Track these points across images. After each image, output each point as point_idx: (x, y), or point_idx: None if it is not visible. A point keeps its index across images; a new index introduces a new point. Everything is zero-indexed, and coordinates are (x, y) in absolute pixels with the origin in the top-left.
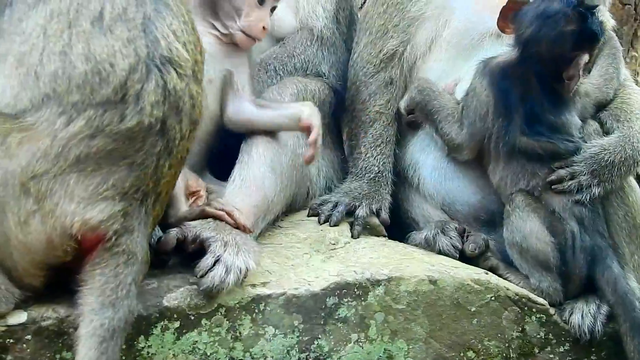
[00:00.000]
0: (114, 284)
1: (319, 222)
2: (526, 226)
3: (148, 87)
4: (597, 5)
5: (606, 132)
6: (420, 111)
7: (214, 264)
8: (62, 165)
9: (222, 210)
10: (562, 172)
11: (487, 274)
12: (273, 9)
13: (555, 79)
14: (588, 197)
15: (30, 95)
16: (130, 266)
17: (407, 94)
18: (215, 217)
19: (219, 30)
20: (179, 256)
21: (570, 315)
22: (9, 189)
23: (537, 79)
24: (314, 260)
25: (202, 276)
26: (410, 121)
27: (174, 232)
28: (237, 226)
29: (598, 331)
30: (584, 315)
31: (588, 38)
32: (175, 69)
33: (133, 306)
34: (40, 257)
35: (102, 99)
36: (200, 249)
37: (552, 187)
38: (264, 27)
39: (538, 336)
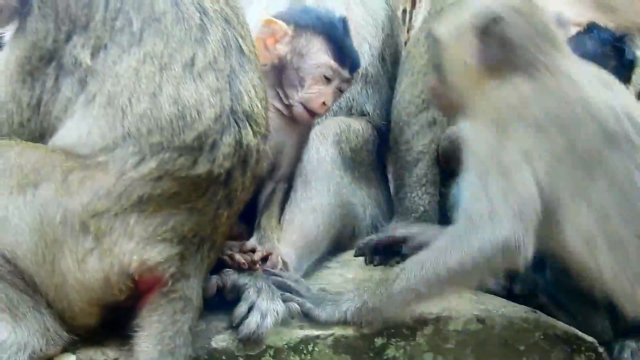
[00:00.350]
0: (172, 331)
1: (365, 262)
2: None
3: (225, 139)
4: (626, 34)
5: None
6: (454, 161)
7: (249, 311)
8: (124, 204)
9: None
10: None
11: (535, 312)
12: (339, 90)
13: None
14: None
15: (113, 135)
16: (187, 313)
17: (440, 144)
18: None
19: (281, 100)
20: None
21: (620, 353)
22: (67, 227)
23: None
24: None
25: (237, 325)
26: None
27: (214, 280)
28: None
29: None
30: (633, 353)
31: (628, 68)
32: (251, 125)
33: (189, 353)
34: (96, 296)
35: (182, 143)
36: (238, 296)
37: None
38: (324, 103)
39: None
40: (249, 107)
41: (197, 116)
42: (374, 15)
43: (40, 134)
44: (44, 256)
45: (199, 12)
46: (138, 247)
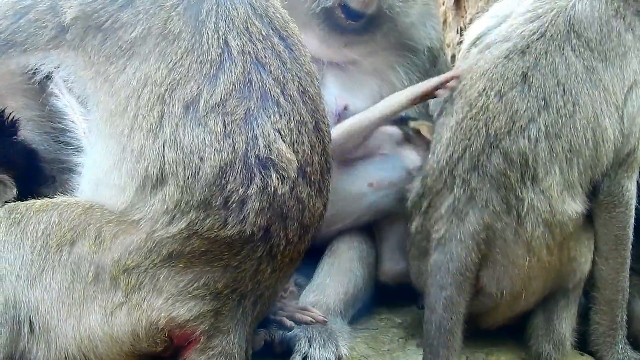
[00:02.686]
0: None
1: (417, 307)
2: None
3: (250, 191)
4: None
5: None
6: None
7: None
8: (155, 260)
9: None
10: None
11: (581, 355)
12: None
13: None
14: None
15: (124, 172)
16: None
17: None
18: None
19: None
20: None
21: None
22: (99, 283)
23: None
24: (410, 344)
25: None
26: None
27: (262, 334)
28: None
29: None
30: None
31: None
32: (276, 172)
33: None
34: (126, 348)
35: (200, 199)
36: (287, 349)
37: None
38: None
39: None
40: (268, 151)
41: (199, 163)
42: None
43: (4, 40)
44: (70, 311)
45: (220, 48)
46: (167, 303)
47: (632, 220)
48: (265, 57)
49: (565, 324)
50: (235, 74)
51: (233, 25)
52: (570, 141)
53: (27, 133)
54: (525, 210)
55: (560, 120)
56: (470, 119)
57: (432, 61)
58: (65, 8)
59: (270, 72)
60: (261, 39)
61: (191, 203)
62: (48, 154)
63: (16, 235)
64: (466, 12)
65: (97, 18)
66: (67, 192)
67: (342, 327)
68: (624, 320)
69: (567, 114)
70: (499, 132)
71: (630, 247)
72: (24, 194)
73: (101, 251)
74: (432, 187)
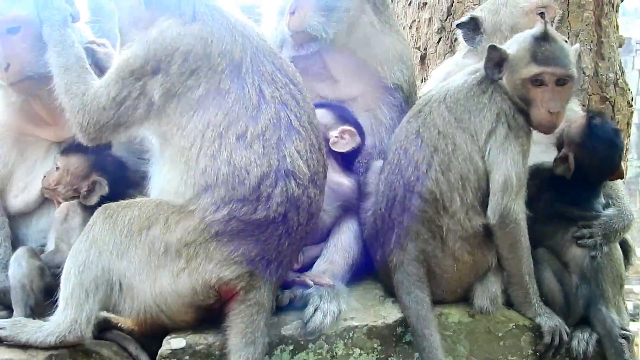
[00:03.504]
0: (251, 328)
1: None
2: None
3: (276, 191)
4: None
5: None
6: None
7: (314, 312)
8: (206, 237)
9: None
10: (584, 231)
11: (509, 309)
12: None
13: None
14: (599, 254)
15: (189, 184)
16: (261, 313)
17: None
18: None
19: None
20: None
21: (570, 341)
22: (168, 255)
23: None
24: (387, 301)
25: (307, 322)
26: None
27: (287, 293)
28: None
29: (589, 352)
30: (579, 341)
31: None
32: (295, 180)
33: (266, 341)
34: (187, 301)
35: (241, 196)
36: (305, 303)
37: (578, 241)
38: None
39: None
40: (291, 166)
41: (246, 174)
42: None
43: (113, 124)
44: (148, 275)
45: (257, 95)
46: (216, 267)
47: (525, 230)
48: (287, 99)
49: (496, 286)
50: (269, 113)
51: (263, 78)
52: (459, 173)
53: (120, 151)
54: (444, 233)
55: (446, 159)
56: (391, 174)
57: (406, 99)
58: (151, 91)
59: (291, 109)
60: (282, 86)
61: (234, 197)
62: (133, 167)
63: (110, 225)
64: (428, 67)
65: (173, 89)
66: (144, 194)
67: (342, 289)
68: (535, 286)
69: (450, 152)
70: (410, 180)
71: (527, 245)
72: (115, 194)
73: (169, 232)
74: (381, 227)
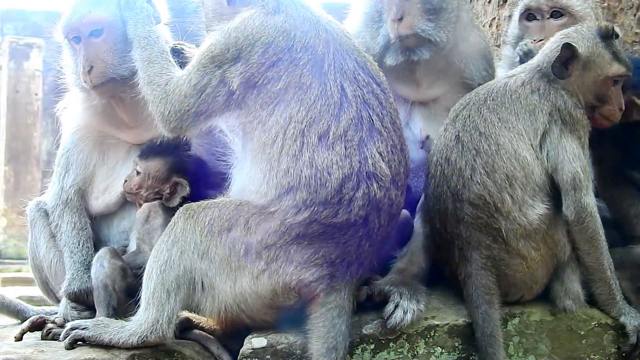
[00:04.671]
0: (333, 332)
1: None
2: None
3: (357, 194)
4: None
5: None
6: None
7: (394, 309)
8: (287, 239)
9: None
10: None
11: (591, 307)
12: None
13: None
14: None
15: (272, 185)
16: (342, 316)
17: None
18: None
19: None
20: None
21: None
22: (248, 256)
23: None
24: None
25: (387, 319)
26: None
27: (364, 289)
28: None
29: None
30: None
31: None
32: (377, 182)
33: (347, 343)
34: (267, 302)
35: (322, 199)
36: (384, 299)
37: None
38: None
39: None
40: (373, 167)
41: (328, 177)
42: None
43: (194, 112)
44: (228, 275)
45: (339, 93)
46: (296, 269)
47: (600, 222)
48: (369, 98)
49: (576, 284)
50: (351, 112)
51: (346, 75)
52: (504, 172)
53: (199, 153)
54: (504, 234)
55: (490, 160)
56: (437, 187)
57: None
58: (231, 79)
59: (373, 109)
60: (365, 84)
61: (315, 200)
62: (213, 168)
63: (191, 225)
64: None
65: (252, 79)
66: (224, 194)
67: (421, 288)
68: (617, 282)
69: (494, 153)
70: (457, 189)
71: (604, 238)
72: (195, 195)
73: (249, 234)
74: (441, 243)
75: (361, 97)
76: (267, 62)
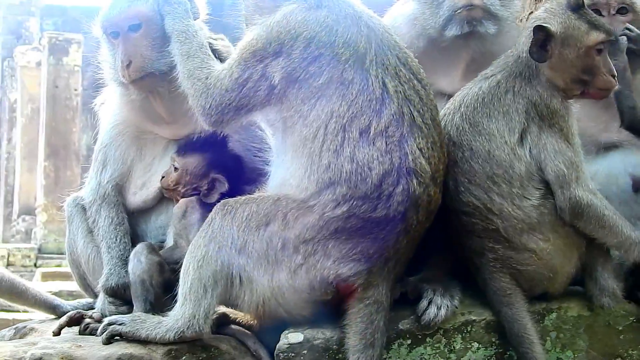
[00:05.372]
0: (371, 328)
1: None
2: None
3: (396, 190)
4: None
5: None
6: None
7: (428, 305)
8: (325, 234)
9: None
10: None
11: (629, 302)
12: None
13: None
14: None
15: (317, 187)
16: (380, 312)
17: None
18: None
19: None
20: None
21: None
22: (286, 251)
23: None
24: None
25: (421, 314)
26: None
27: (398, 286)
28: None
29: None
30: None
31: None
32: (417, 178)
33: (385, 340)
34: (305, 297)
35: (362, 194)
36: (418, 296)
37: None
38: None
39: None
40: (413, 164)
41: (368, 172)
42: None
43: (235, 106)
44: (266, 270)
45: (381, 89)
46: (334, 264)
47: (601, 203)
48: (410, 95)
49: (610, 280)
50: (393, 108)
51: (387, 71)
52: (485, 174)
53: (236, 149)
54: (504, 232)
55: (467, 166)
56: None
57: None
58: (272, 73)
59: (415, 105)
60: (406, 80)
61: (354, 195)
62: (250, 164)
63: (228, 220)
64: None
65: (294, 74)
66: (261, 189)
67: (454, 284)
68: None
69: (469, 158)
70: (447, 203)
71: (612, 212)
72: (232, 191)
73: (287, 229)
74: (456, 254)
75: (402, 93)
76: (309, 57)
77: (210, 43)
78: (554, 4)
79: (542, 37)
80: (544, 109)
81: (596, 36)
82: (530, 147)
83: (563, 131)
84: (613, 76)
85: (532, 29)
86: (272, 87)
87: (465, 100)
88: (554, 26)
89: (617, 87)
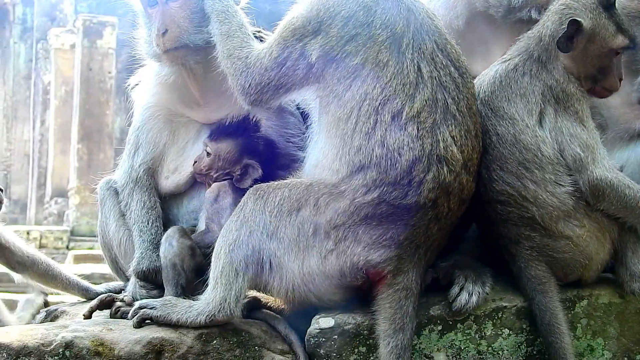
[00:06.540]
0: (400, 313)
1: None
2: None
3: (427, 177)
4: None
5: None
6: None
7: (460, 291)
8: (355, 220)
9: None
10: None
11: None
12: None
13: None
14: None
15: (344, 162)
16: (409, 298)
17: None
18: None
19: None
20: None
21: None
22: (317, 236)
23: None
24: None
25: (452, 301)
26: None
27: (430, 272)
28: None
29: None
30: None
31: None
32: (447, 166)
33: (414, 325)
34: (335, 282)
35: (392, 180)
36: (449, 282)
37: None
38: None
39: None
40: (444, 151)
41: (398, 157)
42: None
43: (274, 85)
44: (296, 255)
45: (415, 73)
46: (364, 250)
47: (622, 182)
48: (445, 81)
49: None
50: (426, 94)
51: (423, 56)
52: (515, 160)
53: (269, 134)
54: (540, 220)
55: (497, 153)
56: None
57: None
58: (310, 51)
59: (449, 93)
60: (442, 67)
61: (385, 181)
62: (282, 150)
63: (260, 205)
64: None
65: (331, 52)
66: (294, 175)
67: (486, 270)
68: None
69: (497, 145)
70: (480, 192)
71: (635, 191)
72: (265, 176)
73: (318, 214)
74: (489, 244)
75: (437, 79)
76: (346, 36)
77: (258, 35)
78: None
79: (573, 31)
80: (559, 92)
81: (621, 40)
82: (549, 130)
83: (578, 114)
84: (620, 79)
85: (565, 20)
86: (310, 65)
87: (482, 86)
88: (585, 21)
89: None
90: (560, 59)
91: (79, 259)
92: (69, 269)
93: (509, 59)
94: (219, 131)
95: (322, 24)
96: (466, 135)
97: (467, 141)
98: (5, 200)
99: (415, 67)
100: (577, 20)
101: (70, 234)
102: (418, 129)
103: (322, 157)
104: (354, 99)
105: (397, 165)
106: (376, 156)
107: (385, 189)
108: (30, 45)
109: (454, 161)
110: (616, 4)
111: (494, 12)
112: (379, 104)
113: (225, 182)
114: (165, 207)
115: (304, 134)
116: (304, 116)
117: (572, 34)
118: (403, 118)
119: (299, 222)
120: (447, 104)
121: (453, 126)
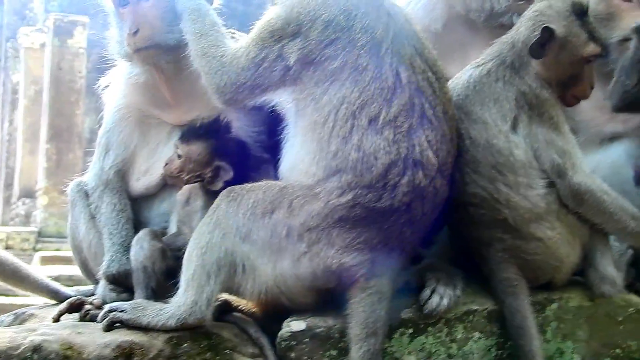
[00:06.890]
0: (372, 317)
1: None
2: None
3: (402, 181)
4: None
5: None
6: None
7: (431, 295)
8: (329, 222)
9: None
10: None
11: (629, 293)
12: None
13: None
14: None
15: (324, 173)
16: (382, 302)
17: None
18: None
19: None
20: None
21: None
22: (290, 238)
23: None
24: None
25: (423, 304)
26: None
27: (402, 274)
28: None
29: None
30: None
31: None
32: (423, 170)
33: (386, 329)
34: (307, 285)
35: (367, 183)
36: (421, 285)
37: None
38: None
39: None
40: (420, 155)
41: (374, 161)
42: None
43: (250, 85)
44: (269, 257)
45: (394, 78)
46: (337, 253)
47: (600, 187)
48: (423, 86)
49: (610, 267)
50: (403, 98)
51: (402, 61)
52: (488, 163)
53: (239, 136)
54: (512, 221)
55: (470, 157)
56: None
57: None
58: (288, 54)
59: (426, 97)
60: (420, 71)
61: (360, 183)
62: (253, 151)
63: (234, 207)
64: None
65: (310, 55)
66: (266, 177)
67: (458, 272)
68: None
69: (470, 147)
70: (453, 195)
71: (613, 198)
72: (237, 177)
73: (292, 217)
74: (461, 246)
75: (415, 84)
76: (326, 40)
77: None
78: (559, 1)
79: (546, 38)
80: (533, 99)
81: (593, 49)
82: (524, 137)
83: (553, 119)
84: (592, 87)
85: (538, 26)
86: (288, 68)
87: (456, 89)
88: (558, 29)
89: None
90: (532, 65)
91: (46, 261)
92: (37, 271)
93: (482, 64)
94: (190, 133)
95: (301, 27)
96: (442, 140)
97: (443, 145)
98: None
99: (394, 71)
100: (550, 28)
101: (37, 235)
102: (394, 133)
103: (298, 161)
104: (332, 103)
105: (372, 169)
106: (352, 160)
107: (360, 191)
108: None
109: (429, 165)
110: (588, 11)
111: (475, 16)
112: (357, 108)
113: (197, 184)
114: (136, 209)
115: (272, 133)
116: (274, 116)
117: (544, 41)
118: (380, 122)
119: (273, 224)
120: (424, 108)
121: (429, 130)
